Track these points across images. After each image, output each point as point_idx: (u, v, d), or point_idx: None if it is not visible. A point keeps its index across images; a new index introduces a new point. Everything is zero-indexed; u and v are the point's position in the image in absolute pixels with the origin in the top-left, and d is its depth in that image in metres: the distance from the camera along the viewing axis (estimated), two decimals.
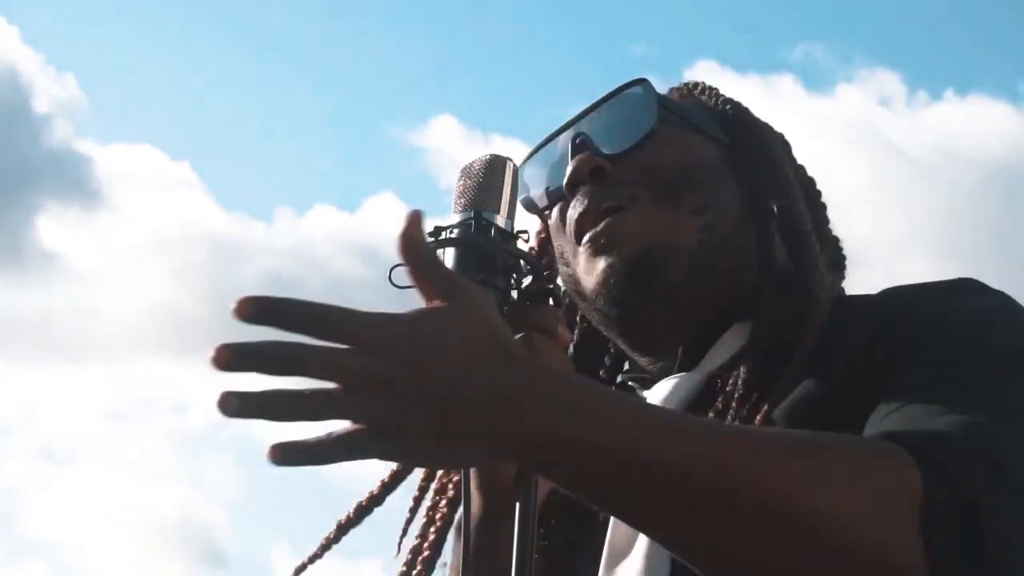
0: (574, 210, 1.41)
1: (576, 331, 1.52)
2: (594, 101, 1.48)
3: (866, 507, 1.02)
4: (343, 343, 0.93)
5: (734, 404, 1.30)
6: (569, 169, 1.41)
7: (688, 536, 1.03)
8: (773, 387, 1.28)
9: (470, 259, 1.22)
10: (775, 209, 1.42)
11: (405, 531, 1.41)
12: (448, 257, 1.23)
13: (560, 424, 0.97)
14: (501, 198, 1.26)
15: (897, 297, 1.33)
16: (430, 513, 1.40)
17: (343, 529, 1.40)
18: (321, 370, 0.92)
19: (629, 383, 1.46)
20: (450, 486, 1.40)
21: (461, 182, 1.27)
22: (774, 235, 1.41)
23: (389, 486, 1.41)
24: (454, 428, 0.96)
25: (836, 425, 1.18)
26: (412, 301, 1.22)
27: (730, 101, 1.51)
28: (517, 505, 1.19)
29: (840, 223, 1.56)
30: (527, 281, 1.26)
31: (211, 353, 0.90)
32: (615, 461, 0.99)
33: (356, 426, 0.94)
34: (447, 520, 1.40)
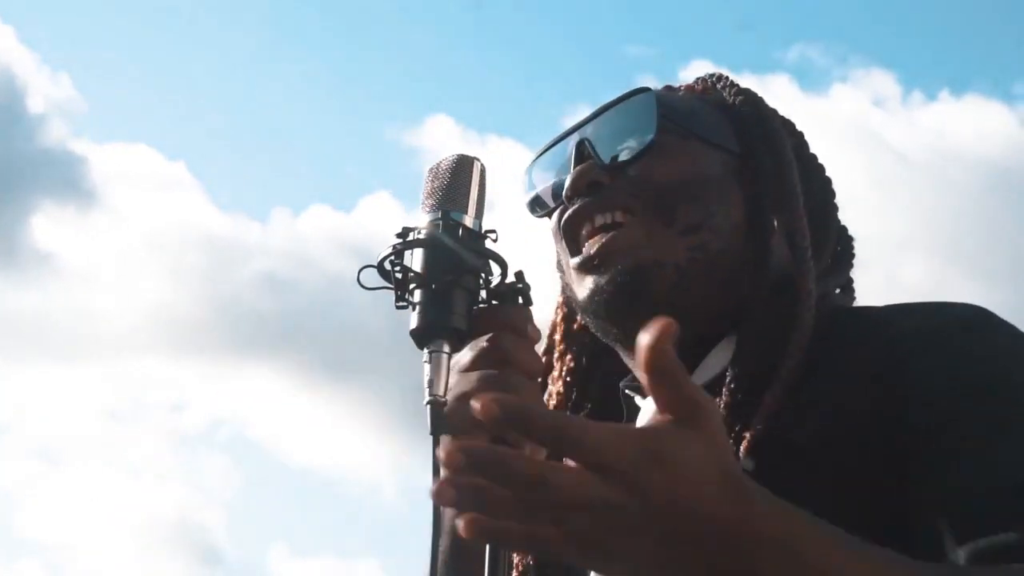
0: (569, 222, 1.41)
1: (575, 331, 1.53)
2: (600, 106, 1.47)
3: None
4: (580, 460, 0.87)
5: None
6: (568, 180, 1.41)
7: None
8: (757, 410, 1.27)
9: (438, 260, 1.22)
10: (776, 223, 1.41)
11: None
12: (416, 258, 1.23)
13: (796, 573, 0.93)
14: (469, 198, 1.25)
15: (905, 335, 1.29)
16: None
17: None
18: (563, 495, 0.87)
19: (627, 391, 1.46)
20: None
21: (428, 182, 1.27)
22: (772, 251, 1.40)
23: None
24: (678, 559, 0.90)
25: (825, 459, 1.19)
26: (387, 301, 1.23)
27: (747, 97, 1.49)
28: None
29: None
30: (496, 281, 1.26)
31: (443, 452, 0.86)
32: None
33: (559, 530, 0.88)
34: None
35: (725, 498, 0.90)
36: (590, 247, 1.39)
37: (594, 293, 1.38)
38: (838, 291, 1.49)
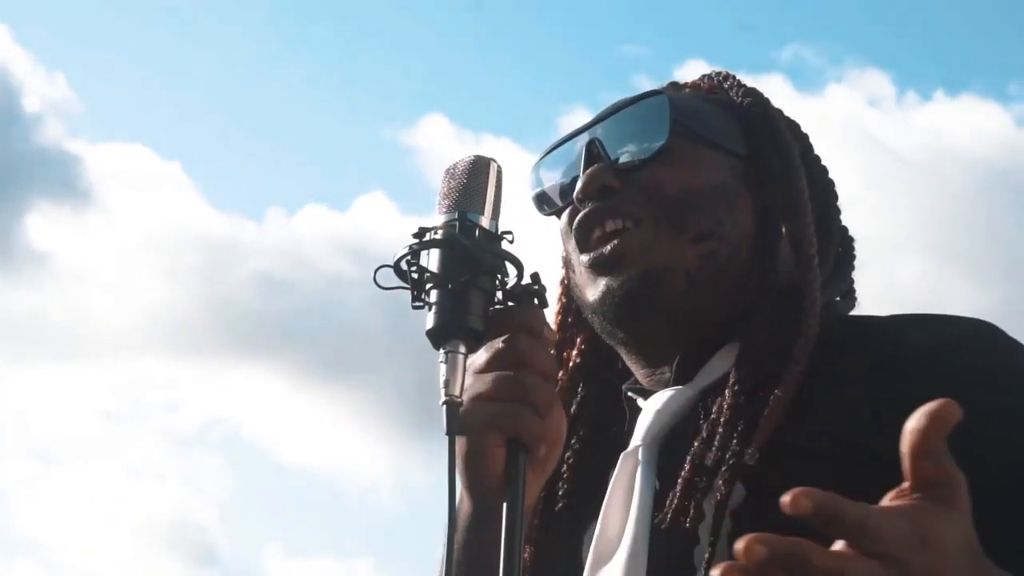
0: (580, 224, 1.41)
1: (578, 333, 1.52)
2: (612, 106, 1.47)
3: None
4: (858, 544, 0.89)
5: (720, 431, 1.29)
6: (580, 182, 1.41)
7: None
8: (760, 418, 1.27)
9: (455, 260, 1.22)
10: (784, 229, 1.41)
11: None
12: (433, 258, 1.23)
13: None
14: (485, 199, 1.26)
15: (916, 349, 1.29)
16: None
17: None
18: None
19: (629, 393, 1.45)
20: None
21: (445, 183, 1.27)
22: (778, 257, 1.40)
23: None
24: None
25: (828, 466, 1.20)
26: (401, 300, 1.23)
27: (754, 99, 1.49)
28: (504, 505, 1.19)
29: None
30: (512, 282, 1.26)
31: (744, 545, 0.87)
32: None
33: None
34: None
35: (974, 574, 0.94)
36: (602, 249, 1.39)
37: (605, 295, 1.38)
38: (839, 299, 1.49)
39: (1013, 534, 1.15)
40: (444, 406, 1.19)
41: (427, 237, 1.23)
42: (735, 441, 1.27)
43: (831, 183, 1.52)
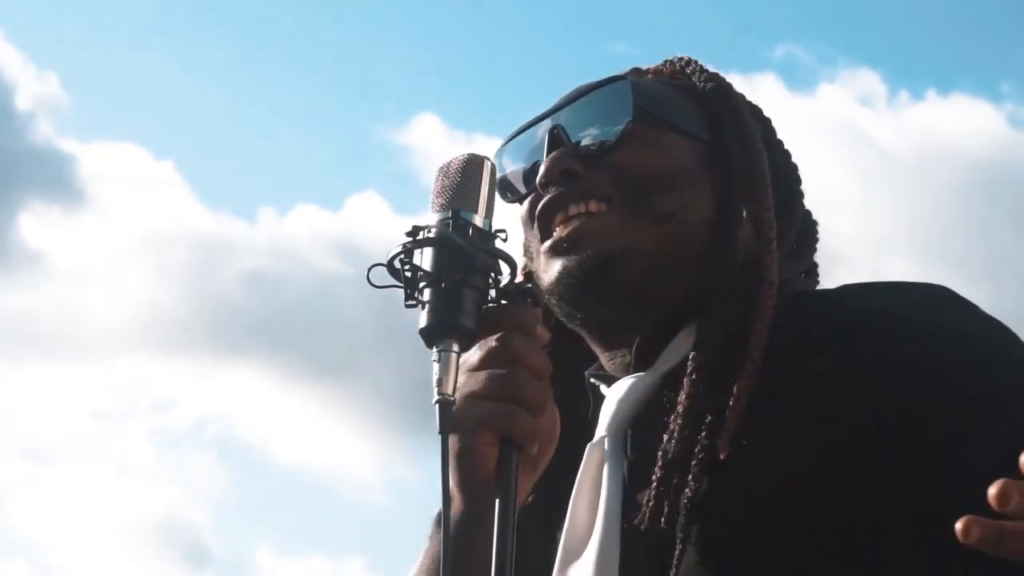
0: (543, 209, 1.40)
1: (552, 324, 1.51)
2: (573, 92, 1.46)
3: None
4: None
5: (681, 423, 1.28)
6: (543, 168, 1.40)
7: None
8: (726, 408, 1.26)
9: (448, 259, 1.22)
10: (744, 212, 1.41)
11: None
12: (426, 257, 1.23)
13: None
14: (479, 197, 1.26)
15: (872, 316, 1.28)
16: None
17: None
18: None
19: (592, 380, 1.45)
20: None
21: (439, 181, 1.27)
22: (738, 240, 1.40)
23: None
24: None
25: (798, 445, 1.20)
26: (393, 299, 1.23)
27: (716, 84, 1.48)
28: (497, 504, 1.19)
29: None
30: (505, 280, 1.26)
31: (997, 489, 0.88)
32: None
33: None
34: None
35: None
36: (562, 231, 1.38)
37: (561, 276, 1.36)
38: (802, 275, 1.49)
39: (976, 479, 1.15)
40: (437, 405, 1.18)
41: (420, 236, 1.23)
42: (703, 434, 1.26)
43: (794, 167, 1.52)
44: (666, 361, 1.36)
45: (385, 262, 1.24)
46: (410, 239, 1.23)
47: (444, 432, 1.18)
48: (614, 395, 1.37)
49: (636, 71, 1.54)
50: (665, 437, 1.29)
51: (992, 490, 0.88)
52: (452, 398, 1.19)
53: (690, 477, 1.24)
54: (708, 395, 1.28)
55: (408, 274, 1.23)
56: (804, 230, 1.51)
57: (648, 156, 1.40)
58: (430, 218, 1.25)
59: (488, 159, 1.28)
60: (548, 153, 1.41)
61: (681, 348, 1.35)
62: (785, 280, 1.38)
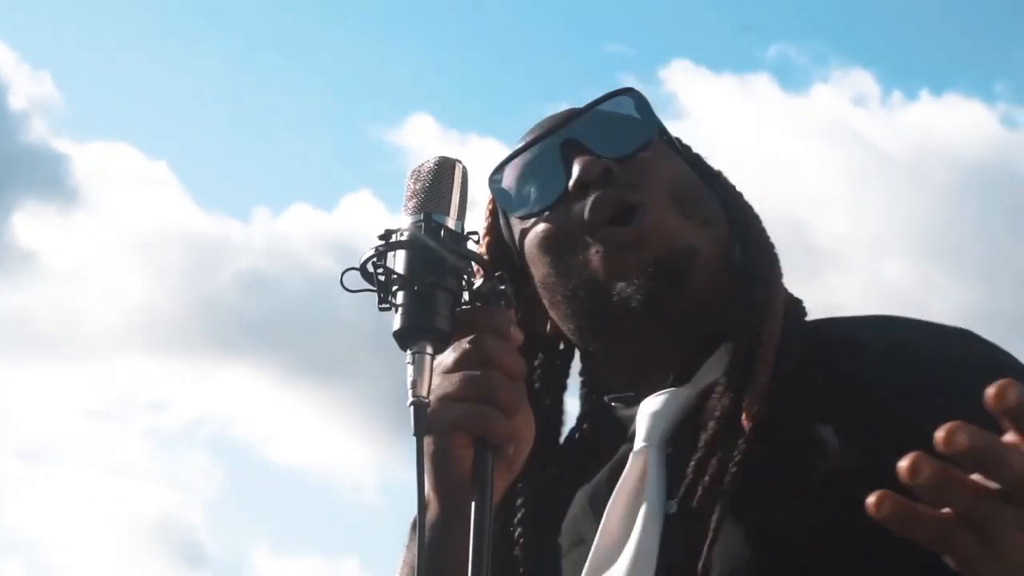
0: (589, 207, 1.37)
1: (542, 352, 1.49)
2: (575, 110, 1.45)
3: None
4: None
5: (706, 438, 1.28)
6: (577, 169, 1.37)
7: None
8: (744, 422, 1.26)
9: (421, 261, 1.22)
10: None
11: None
12: (399, 260, 1.23)
13: None
14: (451, 200, 1.26)
15: (921, 370, 1.28)
16: None
17: None
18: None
19: (612, 404, 1.44)
20: None
21: (411, 184, 1.27)
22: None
23: None
24: None
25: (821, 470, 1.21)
26: (369, 300, 1.23)
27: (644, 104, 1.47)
28: (472, 505, 1.19)
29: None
30: (478, 283, 1.26)
31: (945, 432, 0.86)
32: None
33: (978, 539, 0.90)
34: None
35: None
36: (625, 222, 1.35)
37: (641, 267, 1.33)
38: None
39: None
40: (411, 407, 1.19)
41: (393, 239, 1.24)
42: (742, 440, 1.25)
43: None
44: (705, 376, 1.34)
45: (358, 266, 1.24)
46: (382, 242, 1.24)
47: (419, 434, 1.18)
48: (649, 408, 1.35)
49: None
50: (705, 435, 1.28)
51: (903, 462, 0.87)
52: (427, 400, 1.19)
53: (728, 476, 1.24)
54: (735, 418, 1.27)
55: (381, 277, 1.23)
56: None
57: (673, 163, 1.42)
58: (403, 221, 1.26)
59: (460, 162, 1.29)
60: (566, 164, 1.39)
61: (717, 365, 1.34)
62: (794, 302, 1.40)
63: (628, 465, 1.33)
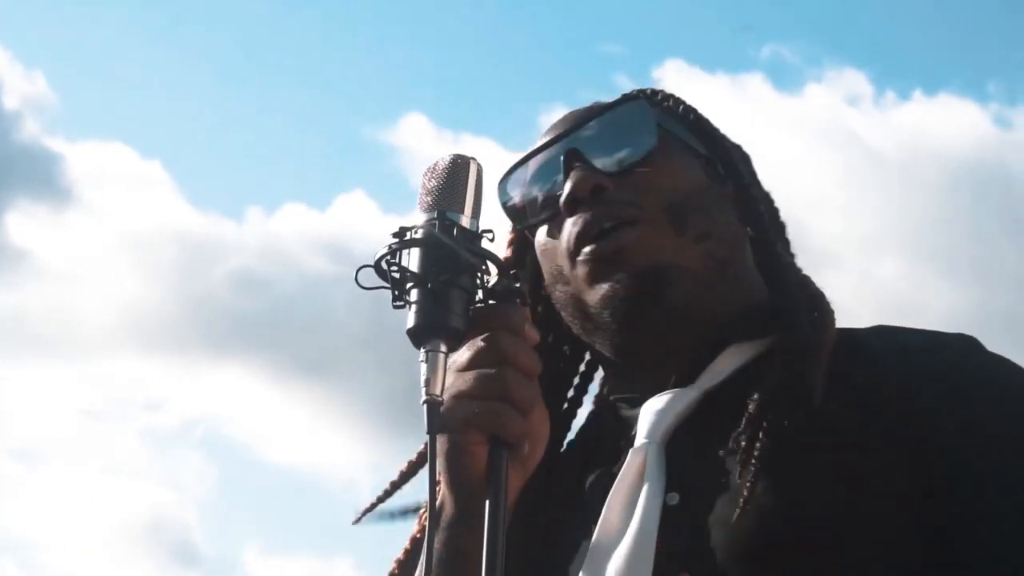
0: (575, 227, 1.37)
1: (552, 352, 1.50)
2: (582, 116, 1.44)
3: None
4: None
5: (744, 424, 1.27)
6: (568, 186, 1.38)
7: None
8: (789, 415, 1.26)
9: (435, 259, 1.22)
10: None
11: None
12: (413, 258, 1.23)
13: None
14: (465, 198, 1.25)
15: (930, 380, 1.29)
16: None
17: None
18: None
19: (618, 404, 1.44)
20: None
21: (425, 182, 1.27)
22: (781, 254, 1.42)
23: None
24: None
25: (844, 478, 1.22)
26: (380, 299, 1.23)
27: (678, 100, 1.48)
28: (487, 504, 1.19)
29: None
30: (492, 280, 1.26)
31: None
32: None
33: None
34: None
35: None
36: (603, 247, 1.36)
37: (614, 289, 1.35)
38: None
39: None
40: (425, 405, 1.18)
41: (407, 236, 1.23)
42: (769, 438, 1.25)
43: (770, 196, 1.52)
44: (708, 380, 1.35)
45: (373, 263, 1.24)
46: (397, 240, 1.23)
47: (432, 432, 1.18)
48: (652, 407, 1.35)
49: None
50: (757, 398, 1.28)
51: None
52: (440, 398, 1.19)
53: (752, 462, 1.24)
54: (773, 410, 1.27)
55: (395, 275, 1.23)
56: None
57: (675, 175, 1.40)
58: (417, 218, 1.25)
59: (475, 160, 1.28)
60: (567, 175, 1.39)
61: (723, 367, 1.35)
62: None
63: (627, 461, 1.33)
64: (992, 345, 1.36)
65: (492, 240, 1.26)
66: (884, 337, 1.36)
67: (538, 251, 1.45)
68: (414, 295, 1.21)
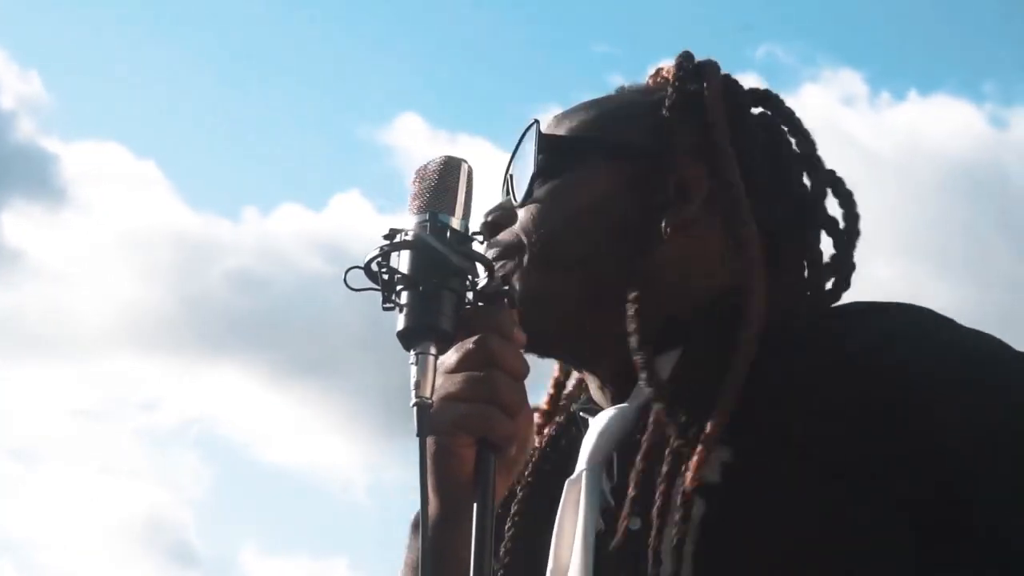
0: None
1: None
2: (524, 135, 1.45)
3: None
4: None
5: (643, 451, 1.28)
6: (481, 221, 1.43)
7: None
8: (699, 435, 1.25)
9: (425, 261, 1.22)
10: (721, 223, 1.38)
11: None
12: (403, 259, 1.23)
13: None
14: (456, 200, 1.25)
15: (893, 384, 1.25)
16: None
17: None
18: None
19: (580, 414, 1.44)
20: None
21: (416, 184, 1.27)
22: (656, 260, 1.36)
23: None
24: None
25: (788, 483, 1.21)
26: (376, 300, 1.23)
27: (679, 87, 1.43)
28: (475, 506, 1.19)
29: None
30: (482, 283, 1.26)
31: None
32: None
33: None
34: None
35: None
36: (489, 284, 1.33)
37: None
38: (829, 286, 1.43)
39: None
40: (415, 408, 1.18)
41: (397, 238, 1.23)
42: (667, 465, 1.26)
43: (778, 143, 1.46)
44: (642, 392, 1.34)
45: (362, 265, 1.24)
46: (387, 242, 1.23)
47: (422, 435, 1.18)
48: (595, 428, 1.37)
49: (621, 89, 1.50)
50: (636, 463, 1.29)
51: None
52: (430, 401, 1.19)
53: (674, 506, 1.24)
54: (678, 428, 1.27)
55: (385, 277, 1.23)
56: (839, 238, 1.47)
57: (552, 206, 1.39)
58: (407, 220, 1.25)
59: (465, 161, 1.28)
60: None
61: (664, 369, 1.33)
62: (782, 308, 1.34)
63: (565, 491, 1.35)
64: None
65: (483, 243, 1.27)
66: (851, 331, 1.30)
67: None
68: (404, 297, 1.21)
